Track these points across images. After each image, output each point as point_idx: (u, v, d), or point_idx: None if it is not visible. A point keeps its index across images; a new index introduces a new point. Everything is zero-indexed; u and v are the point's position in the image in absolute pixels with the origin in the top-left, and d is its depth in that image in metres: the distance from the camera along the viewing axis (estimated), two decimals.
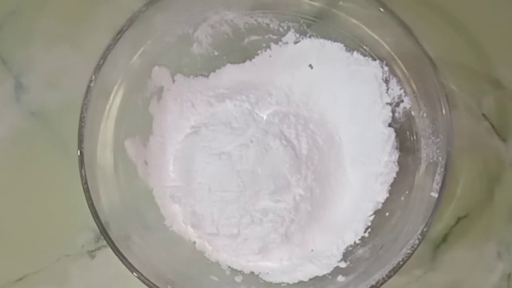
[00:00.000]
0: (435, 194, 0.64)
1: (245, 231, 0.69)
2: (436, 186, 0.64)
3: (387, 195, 0.70)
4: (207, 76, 0.75)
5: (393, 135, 0.71)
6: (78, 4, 0.79)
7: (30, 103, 0.77)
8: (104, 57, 0.65)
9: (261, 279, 0.70)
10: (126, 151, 0.70)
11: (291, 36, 0.74)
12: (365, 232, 0.70)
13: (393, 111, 0.71)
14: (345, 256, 0.69)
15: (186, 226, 0.72)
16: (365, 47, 0.72)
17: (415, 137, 0.69)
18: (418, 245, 0.62)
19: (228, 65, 0.75)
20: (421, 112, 0.69)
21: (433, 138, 0.67)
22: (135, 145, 0.71)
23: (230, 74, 0.75)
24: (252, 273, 0.70)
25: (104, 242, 0.64)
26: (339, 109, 0.73)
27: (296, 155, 0.70)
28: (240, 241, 0.69)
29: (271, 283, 0.69)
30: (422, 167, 0.68)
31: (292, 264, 0.70)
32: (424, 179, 0.67)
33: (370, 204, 0.70)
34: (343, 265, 0.68)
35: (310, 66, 0.74)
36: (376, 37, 0.70)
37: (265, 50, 0.75)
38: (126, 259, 0.62)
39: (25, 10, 0.79)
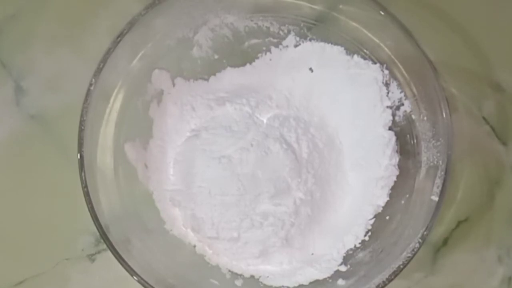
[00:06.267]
0: (435, 198, 0.64)
1: (245, 235, 0.69)
2: (436, 190, 0.64)
3: (388, 198, 0.70)
4: (207, 80, 0.75)
5: (394, 138, 0.71)
6: (78, 8, 0.79)
7: (30, 107, 0.77)
8: (104, 61, 0.65)
9: (262, 282, 0.70)
10: (126, 154, 0.70)
11: (291, 39, 0.74)
12: (365, 235, 0.70)
13: (394, 115, 0.71)
14: (346, 260, 0.69)
15: (186, 230, 0.72)
16: (365, 51, 0.72)
17: (415, 141, 0.69)
18: (419, 248, 0.62)
19: (228, 68, 0.75)
20: (421, 116, 0.69)
21: (433, 141, 0.67)
22: (135, 149, 0.71)
23: (231, 77, 0.75)
24: (252, 276, 0.70)
25: (104, 246, 0.64)
26: (339, 113, 0.73)
27: (297, 159, 0.70)
28: (240, 244, 0.69)
29: (271, 286, 0.69)
30: (423, 170, 0.68)
31: (293, 267, 0.70)
32: (424, 182, 0.67)
33: (371, 208, 0.70)
34: (343, 268, 0.68)
35: (311, 69, 0.74)
36: (376, 40, 0.70)
37: (265, 54, 0.75)
38: (126, 263, 0.62)
39: (25, 13, 0.79)
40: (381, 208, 0.70)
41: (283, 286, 0.69)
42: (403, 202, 0.69)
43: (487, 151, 0.76)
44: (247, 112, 0.73)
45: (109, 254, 0.63)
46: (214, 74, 0.75)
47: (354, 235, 0.70)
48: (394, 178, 0.70)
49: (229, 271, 0.70)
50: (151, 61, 0.71)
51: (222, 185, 0.69)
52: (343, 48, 0.73)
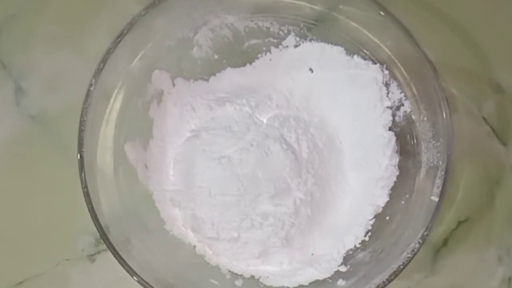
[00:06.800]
0: (435, 198, 0.64)
1: (245, 235, 0.69)
2: (436, 190, 0.64)
3: (388, 199, 0.70)
4: (207, 80, 0.75)
5: (394, 139, 0.71)
6: (78, 8, 0.79)
7: (30, 107, 0.77)
8: (104, 61, 0.65)
9: (262, 283, 0.70)
10: (126, 154, 0.70)
11: (291, 39, 0.74)
12: (365, 236, 0.70)
13: (394, 115, 0.71)
14: (346, 260, 0.69)
15: (186, 230, 0.72)
16: (365, 51, 0.72)
17: (415, 141, 0.69)
18: (419, 249, 0.62)
19: (228, 68, 0.75)
20: (421, 116, 0.69)
21: (433, 142, 0.67)
22: (135, 149, 0.71)
23: (230, 77, 0.75)
24: (252, 277, 0.70)
25: (104, 246, 0.64)
26: (339, 113, 0.73)
27: (297, 159, 0.70)
28: (240, 245, 0.69)
29: (271, 287, 0.69)
30: (423, 171, 0.68)
31: (293, 268, 0.70)
32: (424, 183, 0.67)
33: (371, 208, 0.70)
34: (343, 269, 0.68)
35: (311, 69, 0.74)
36: (376, 40, 0.70)
37: (265, 54, 0.75)
38: (126, 263, 0.62)
39: (25, 13, 0.79)
40: (381, 209, 0.70)
41: (283, 287, 0.69)
42: (403, 202, 0.69)
43: (487, 151, 0.76)
44: (247, 112, 0.73)
45: (109, 254, 0.63)
46: (214, 75, 0.75)
47: (354, 235, 0.69)
48: (394, 179, 0.70)
49: (229, 271, 0.70)
50: (151, 61, 0.71)
51: (222, 185, 0.69)
52: (343, 49, 0.73)
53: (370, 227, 0.70)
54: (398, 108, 0.71)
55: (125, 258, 0.62)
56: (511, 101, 0.77)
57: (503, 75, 0.77)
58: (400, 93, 0.70)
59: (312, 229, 0.71)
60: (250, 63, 0.75)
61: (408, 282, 0.73)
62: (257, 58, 0.75)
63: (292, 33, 0.74)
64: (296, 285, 0.69)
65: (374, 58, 0.71)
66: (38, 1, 0.80)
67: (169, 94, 0.74)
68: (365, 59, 0.72)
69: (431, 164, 0.67)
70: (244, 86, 0.75)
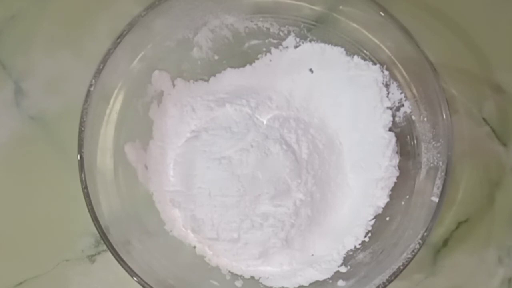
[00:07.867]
0: (435, 199, 0.64)
1: (245, 236, 0.69)
2: (436, 191, 0.64)
3: (388, 199, 0.70)
4: (207, 81, 0.75)
5: (394, 139, 0.71)
6: (78, 9, 0.79)
7: (30, 108, 0.77)
8: (104, 62, 0.65)
9: (262, 283, 0.70)
10: (126, 155, 0.70)
11: (291, 40, 0.74)
12: (365, 236, 0.70)
13: (394, 116, 0.71)
14: (346, 261, 0.69)
15: (186, 231, 0.72)
16: (365, 52, 0.72)
17: (415, 142, 0.69)
18: (419, 249, 0.62)
19: (228, 69, 0.75)
20: (421, 117, 0.69)
21: (433, 142, 0.67)
22: (135, 150, 0.71)
23: (231, 78, 0.75)
24: (252, 277, 0.70)
25: (104, 247, 0.64)
26: (339, 114, 0.73)
27: (297, 160, 0.70)
28: (240, 245, 0.69)
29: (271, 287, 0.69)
30: (423, 171, 0.68)
31: (293, 268, 0.70)
32: (424, 183, 0.67)
33: (371, 209, 0.70)
34: (343, 269, 0.68)
35: (311, 70, 0.74)
36: (376, 41, 0.70)
37: (266, 55, 0.75)
38: (126, 264, 0.62)
39: (25, 15, 0.79)
40: (381, 209, 0.70)
41: (283, 287, 0.69)
42: (403, 203, 0.69)
43: (487, 152, 0.76)
44: (247, 113, 0.73)
45: (109, 255, 0.63)
46: (214, 75, 0.75)
47: (354, 236, 0.70)
48: (394, 179, 0.70)
49: (229, 272, 0.70)
50: (151, 62, 0.71)
51: (222, 186, 0.69)
52: (343, 49, 0.73)
53: (370, 228, 0.70)
54: (398, 109, 0.71)
55: (125, 259, 0.62)
56: (511, 102, 0.77)
57: (503, 76, 0.77)
58: (400, 93, 0.70)
59: (312, 230, 0.71)
60: (250, 64, 0.75)
61: (408, 283, 0.73)
62: (257, 59, 0.75)
63: (292, 34, 0.74)
64: (296, 285, 0.69)
65: (374, 58, 0.71)
66: (38, 2, 0.80)
67: (169, 95, 0.74)
68: (365, 59, 0.72)
69: (431, 165, 0.67)
70: (244, 87, 0.75)
